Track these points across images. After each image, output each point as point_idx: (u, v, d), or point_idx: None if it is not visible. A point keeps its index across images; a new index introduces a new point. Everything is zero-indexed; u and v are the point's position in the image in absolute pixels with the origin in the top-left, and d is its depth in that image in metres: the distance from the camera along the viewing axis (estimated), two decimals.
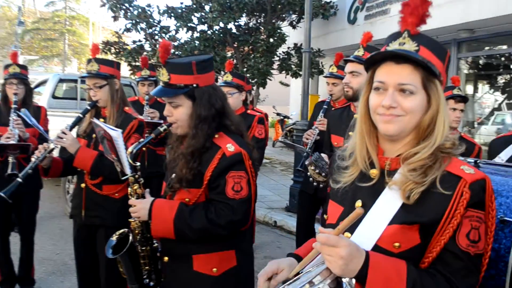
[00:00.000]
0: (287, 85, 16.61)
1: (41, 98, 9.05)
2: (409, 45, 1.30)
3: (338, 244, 1.17)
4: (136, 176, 2.16)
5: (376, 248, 1.28)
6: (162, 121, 3.80)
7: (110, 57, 12.83)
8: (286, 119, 16.31)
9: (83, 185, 3.12)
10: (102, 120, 3.06)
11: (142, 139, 2.27)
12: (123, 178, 2.23)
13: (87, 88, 3.11)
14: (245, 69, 11.75)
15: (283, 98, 19.22)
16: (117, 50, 12.28)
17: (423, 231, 1.26)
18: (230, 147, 2.05)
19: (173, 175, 2.13)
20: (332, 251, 1.17)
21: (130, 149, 2.13)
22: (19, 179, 2.81)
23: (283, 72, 12.06)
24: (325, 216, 1.53)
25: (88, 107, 3.09)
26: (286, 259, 1.46)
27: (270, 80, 11.61)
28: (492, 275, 1.87)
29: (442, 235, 1.24)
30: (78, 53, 30.92)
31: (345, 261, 1.16)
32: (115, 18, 11.94)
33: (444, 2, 8.70)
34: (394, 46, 1.33)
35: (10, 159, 3.43)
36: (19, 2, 33.02)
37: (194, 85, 2.07)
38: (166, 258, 2.20)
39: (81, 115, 3.07)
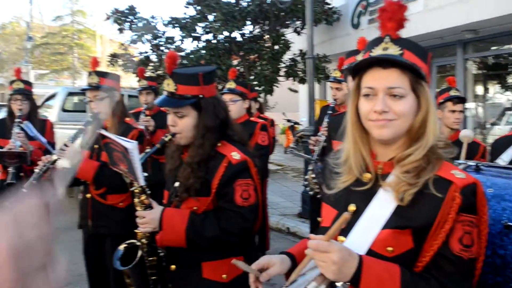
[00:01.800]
0: (296, 91, 16.61)
1: (51, 112, 9.17)
2: (393, 49, 1.32)
3: (329, 249, 1.18)
4: (144, 186, 2.17)
5: (370, 252, 1.29)
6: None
7: (117, 69, 12.98)
8: (296, 125, 16.28)
9: (88, 195, 3.19)
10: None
11: (147, 150, 2.31)
12: (132, 189, 2.22)
13: (88, 101, 3.16)
14: (252, 77, 11.79)
15: (292, 104, 19.21)
16: (124, 62, 12.39)
17: (416, 235, 1.27)
18: (236, 155, 2.07)
19: (177, 184, 2.15)
20: (324, 257, 1.19)
21: None
22: (24, 190, 2.86)
23: (290, 78, 12.08)
24: (319, 219, 1.54)
25: (90, 120, 3.14)
26: (277, 255, 1.49)
27: (277, 87, 11.63)
28: (499, 282, 1.80)
29: (435, 239, 1.24)
30: (88, 66, 31.14)
31: (338, 266, 1.18)
32: (121, 30, 12.06)
33: (446, 4, 8.69)
34: (378, 51, 1.34)
35: (10, 169, 3.48)
36: (27, 17, 33.54)
37: (200, 96, 2.09)
38: (173, 267, 2.20)
39: (82, 128, 3.12)
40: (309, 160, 4.57)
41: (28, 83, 4.18)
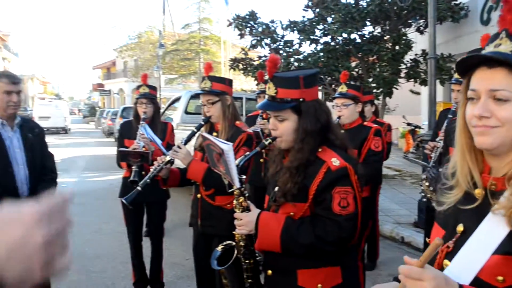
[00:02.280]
0: (418, 93, 15.85)
1: (175, 114, 9.79)
2: (506, 46, 1.15)
3: (422, 277, 1.07)
4: (242, 189, 2.20)
5: (477, 281, 1.15)
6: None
7: (238, 73, 13.44)
8: (417, 129, 15.55)
9: (198, 195, 3.34)
10: (215, 134, 3.25)
11: (247, 153, 2.36)
12: (230, 190, 2.29)
13: (201, 104, 3.32)
14: (370, 79, 11.49)
15: (414, 107, 18.36)
16: (244, 66, 12.79)
17: None
18: (335, 161, 2.02)
19: (277, 189, 2.16)
20: (416, 285, 1.08)
21: (236, 162, 2.19)
22: (138, 188, 3.10)
23: (411, 80, 11.55)
24: (427, 240, 1.43)
25: (202, 123, 3.30)
26: (390, 284, 1.38)
27: (397, 89, 11.18)
28: None
29: None
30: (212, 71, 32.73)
31: None
32: (241, 35, 12.47)
33: None
34: (489, 49, 1.19)
35: (134, 167, 3.77)
36: (160, 27, 36.14)
37: (301, 99, 2.08)
38: (269, 272, 2.21)
39: (195, 130, 3.28)
40: (425, 167, 4.34)
41: (153, 88, 4.49)
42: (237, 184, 2.18)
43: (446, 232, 1.31)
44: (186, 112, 9.40)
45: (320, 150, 2.10)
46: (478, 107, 1.18)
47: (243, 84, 29.79)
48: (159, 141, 3.44)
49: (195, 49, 33.46)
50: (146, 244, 4.73)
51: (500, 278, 1.12)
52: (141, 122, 4.21)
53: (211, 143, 2.33)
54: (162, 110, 12.44)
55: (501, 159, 1.21)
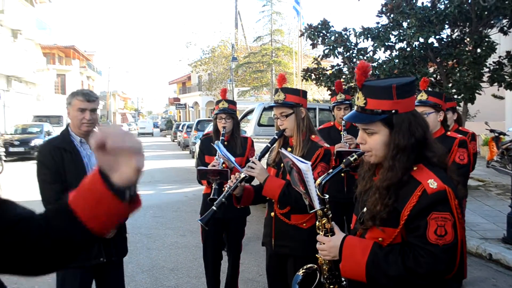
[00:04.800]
0: (502, 97, 14.92)
1: (249, 126, 9.85)
2: None
3: None
4: (325, 209, 2.07)
5: None
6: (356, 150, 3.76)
7: (311, 83, 13.31)
8: (502, 136, 14.59)
9: (272, 213, 3.22)
10: (289, 149, 3.14)
11: (330, 170, 2.19)
12: (311, 211, 2.16)
13: (275, 118, 3.24)
14: (450, 85, 10.94)
15: (497, 112, 17.31)
16: (317, 76, 12.64)
17: None
18: (432, 183, 1.81)
19: (365, 209, 1.99)
20: None
21: (318, 181, 2.07)
22: (214, 207, 3.04)
23: (495, 84, 10.86)
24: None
25: (276, 137, 3.20)
26: None
27: (479, 94, 10.54)
28: None
29: None
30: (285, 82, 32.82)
31: None
32: (314, 45, 12.35)
33: None
34: None
35: (213, 185, 3.75)
36: (233, 40, 36.81)
37: (393, 111, 1.89)
38: None
39: (269, 145, 3.20)
40: None
41: (232, 103, 4.48)
42: (317, 206, 2.05)
43: None
44: (259, 124, 9.40)
45: (415, 169, 1.90)
46: None
47: (315, 94, 29.56)
48: (232, 158, 3.39)
49: (267, 61, 33.70)
50: (223, 260, 4.71)
51: None
52: (221, 138, 4.22)
53: (290, 160, 2.23)
54: None
55: None
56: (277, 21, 34.62)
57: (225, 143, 4.30)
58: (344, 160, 2.10)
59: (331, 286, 2.14)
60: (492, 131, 14.66)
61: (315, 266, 2.22)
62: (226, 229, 4.58)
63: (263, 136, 8.71)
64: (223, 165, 3.96)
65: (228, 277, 4.65)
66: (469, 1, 10.45)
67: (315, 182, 2.08)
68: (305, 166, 2.04)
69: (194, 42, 45.77)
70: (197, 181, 4.44)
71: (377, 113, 1.91)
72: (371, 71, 10.89)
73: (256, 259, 6.16)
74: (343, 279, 2.13)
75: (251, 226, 7.26)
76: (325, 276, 2.14)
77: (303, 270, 2.27)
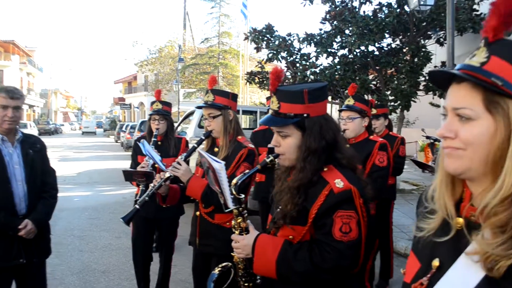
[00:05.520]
0: (438, 106, 15.57)
1: (189, 127, 9.75)
2: (478, 57, 1.02)
3: None
4: (240, 209, 2.08)
5: None
6: None
7: (254, 86, 13.39)
8: (436, 143, 15.21)
9: (197, 213, 3.26)
10: (216, 149, 3.15)
11: (247, 171, 2.21)
12: (227, 210, 2.17)
13: (203, 118, 3.23)
14: (388, 92, 11.30)
15: (434, 120, 18.06)
16: (260, 80, 12.72)
17: None
18: (339, 183, 1.86)
19: (278, 210, 2.02)
20: None
21: (234, 181, 2.06)
22: (136, 206, 3.02)
23: (430, 92, 11.32)
24: (402, 271, 1.28)
25: (203, 137, 3.20)
26: None
27: (415, 102, 10.95)
28: None
29: None
30: (231, 84, 32.89)
31: None
32: (258, 49, 12.42)
33: None
34: (466, 60, 1.06)
35: (141, 186, 3.68)
36: (180, 41, 36.48)
37: (305, 114, 1.93)
38: None
39: (196, 145, 3.18)
40: (432, 172, 4.15)
41: (166, 104, 4.46)
42: (230, 204, 2.06)
43: (422, 266, 1.17)
44: (200, 126, 9.32)
45: (325, 169, 1.94)
46: (442, 126, 1.06)
47: (262, 97, 29.79)
48: (157, 158, 3.34)
49: (214, 63, 33.64)
50: (154, 261, 4.63)
51: None
52: (153, 139, 4.18)
53: (206, 160, 2.22)
54: (176, 124, 12.44)
55: (477, 185, 1.06)
56: (225, 24, 34.69)
57: (159, 143, 4.27)
58: (260, 161, 2.12)
59: (246, 284, 2.15)
60: (427, 137, 15.27)
61: (230, 264, 2.22)
62: (158, 230, 4.52)
63: None
64: (155, 165, 3.89)
65: (159, 279, 4.59)
66: (408, 12, 10.83)
67: (231, 182, 2.08)
68: (219, 166, 2.04)
69: (140, 41, 45.01)
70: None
71: (289, 116, 1.94)
72: (312, 76, 11.05)
73: (190, 261, 6.08)
74: (258, 277, 2.15)
75: (187, 227, 7.19)
76: (240, 274, 2.15)
77: (219, 268, 2.27)
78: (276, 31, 12.29)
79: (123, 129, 32.49)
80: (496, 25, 1.00)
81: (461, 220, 1.09)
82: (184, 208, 4.61)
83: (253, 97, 32.83)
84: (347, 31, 11.46)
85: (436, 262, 1.11)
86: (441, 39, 11.58)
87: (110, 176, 15.44)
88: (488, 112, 1.00)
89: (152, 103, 4.42)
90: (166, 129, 4.37)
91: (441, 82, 1.13)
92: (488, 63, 1.01)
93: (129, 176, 3.83)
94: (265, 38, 12.21)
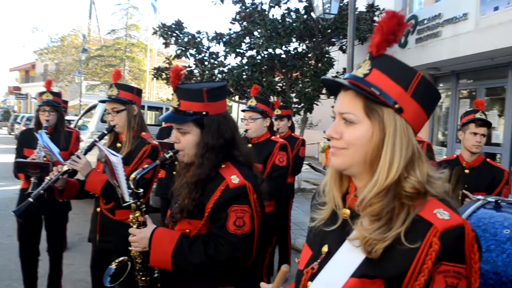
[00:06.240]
0: None
1: (91, 121, 9.37)
2: (363, 68, 1.17)
3: None
4: (138, 203, 2.10)
5: None
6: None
7: (162, 82, 13.19)
8: None
9: (98, 209, 3.17)
10: (119, 145, 3.09)
11: (146, 166, 2.22)
12: (124, 204, 2.17)
13: (106, 113, 3.15)
14: (293, 94, 11.68)
15: None
16: (168, 76, 12.57)
17: (389, 286, 1.08)
18: (235, 179, 1.95)
19: (176, 204, 2.06)
20: None
21: (133, 175, 2.08)
22: (30, 199, 2.86)
23: (332, 97, 11.86)
24: (296, 260, 1.39)
25: (105, 132, 3.12)
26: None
27: (317, 105, 11.44)
28: None
29: None
30: (137, 79, 32.08)
31: None
32: (166, 45, 12.26)
33: (498, 23, 8.31)
34: (354, 71, 1.22)
35: (33, 179, 3.49)
36: (85, 30, 34.92)
37: (204, 112, 1.99)
38: None
39: (97, 139, 3.09)
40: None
41: (57, 95, 4.22)
42: (126, 198, 2.08)
43: (313, 253, 1.29)
44: (102, 121, 8.98)
45: (223, 166, 2.02)
46: (330, 128, 1.20)
47: (169, 94, 29.39)
48: (56, 150, 3.20)
49: (120, 56, 32.62)
50: (46, 260, 4.41)
51: None
52: (42, 131, 3.93)
53: (104, 154, 2.19)
54: (77, 118, 11.91)
55: (359, 180, 1.21)
56: (134, 16, 33.78)
57: (48, 136, 4.04)
58: (160, 157, 2.14)
59: (143, 278, 2.17)
60: (329, 139, 16.00)
61: (127, 258, 2.22)
62: (46, 227, 4.29)
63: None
64: (44, 158, 3.69)
65: (49, 278, 4.36)
66: (314, 19, 11.27)
67: (127, 176, 2.10)
68: (116, 159, 2.04)
69: (41, 28, 42.38)
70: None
71: (189, 114, 1.99)
72: (220, 75, 11.12)
73: (88, 259, 5.87)
74: (155, 271, 2.17)
75: (85, 225, 6.92)
76: (138, 268, 2.16)
77: (116, 263, 2.26)
78: (186, 27, 12.23)
79: (18, 120, 30.47)
80: (379, 42, 1.14)
81: (347, 210, 1.23)
82: (84, 204, 4.45)
83: (160, 93, 32.29)
84: (256, 33, 11.67)
85: (325, 248, 1.23)
86: (344, 47, 12.21)
87: (1, 171, 14.39)
88: (367, 117, 1.15)
89: (42, 93, 4.15)
90: (56, 121, 4.14)
91: (332, 88, 1.27)
92: (370, 75, 1.15)
93: (22, 167, 3.61)
94: (174, 34, 12.10)
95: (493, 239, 1.90)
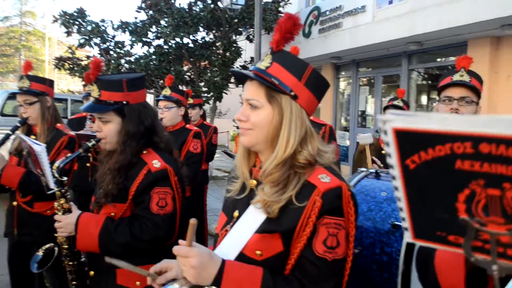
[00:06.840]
0: None
1: None
2: (265, 61, 1.38)
3: (188, 254, 1.24)
4: (63, 190, 2.15)
5: (241, 256, 1.35)
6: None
7: (64, 72, 12.64)
8: None
9: (14, 203, 3.11)
10: (33, 137, 3.03)
11: (69, 154, 2.26)
12: (49, 192, 2.21)
13: (18, 105, 3.07)
14: (202, 83, 11.75)
15: None
16: (71, 66, 12.08)
17: (285, 239, 1.32)
18: (156, 163, 2.08)
19: (101, 190, 2.13)
20: (185, 261, 1.25)
21: (57, 164, 2.11)
22: None
23: (240, 85, 12.07)
24: (214, 227, 1.58)
25: (18, 124, 3.05)
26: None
27: (226, 93, 11.61)
28: (386, 279, 1.93)
29: (298, 242, 1.29)
30: (35, 69, 30.23)
31: (196, 270, 1.23)
32: (68, 33, 11.77)
33: (393, 16, 8.96)
34: (258, 63, 1.43)
35: None
36: None
37: (124, 102, 2.09)
38: (92, 272, 2.19)
39: (10, 132, 3.02)
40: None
41: None
42: (51, 185, 2.12)
43: (227, 218, 1.50)
44: (2, 114, 8.47)
45: (145, 152, 2.13)
46: (238, 112, 1.41)
47: (70, 84, 28.09)
48: None
49: (15, 45, 30.56)
50: None
51: (258, 252, 1.33)
52: None
53: (27, 145, 2.20)
54: None
55: (263, 155, 1.44)
56: (29, 2, 31.74)
57: None
58: (82, 145, 2.19)
59: (71, 263, 2.21)
60: (238, 127, 16.25)
61: (53, 244, 2.26)
62: None
63: (6, 127, 7.89)
64: None
65: None
66: (221, 9, 11.39)
67: (51, 164, 2.13)
68: (40, 148, 2.08)
69: None
70: None
71: (110, 103, 2.09)
72: (127, 65, 10.91)
73: (3, 256, 5.60)
74: (82, 255, 2.24)
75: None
76: (64, 254, 2.21)
77: (43, 250, 2.30)
78: (89, 15, 11.83)
79: None
80: (278, 39, 1.35)
81: (254, 181, 1.45)
82: None
83: (60, 83, 30.76)
84: (162, 22, 11.57)
85: (236, 213, 1.46)
86: (251, 36, 12.46)
87: None
88: (269, 103, 1.37)
89: None
90: None
91: (240, 78, 1.50)
92: (271, 67, 1.36)
93: None
94: (77, 23, 11.66)
95: (373, 200, 2.30)
